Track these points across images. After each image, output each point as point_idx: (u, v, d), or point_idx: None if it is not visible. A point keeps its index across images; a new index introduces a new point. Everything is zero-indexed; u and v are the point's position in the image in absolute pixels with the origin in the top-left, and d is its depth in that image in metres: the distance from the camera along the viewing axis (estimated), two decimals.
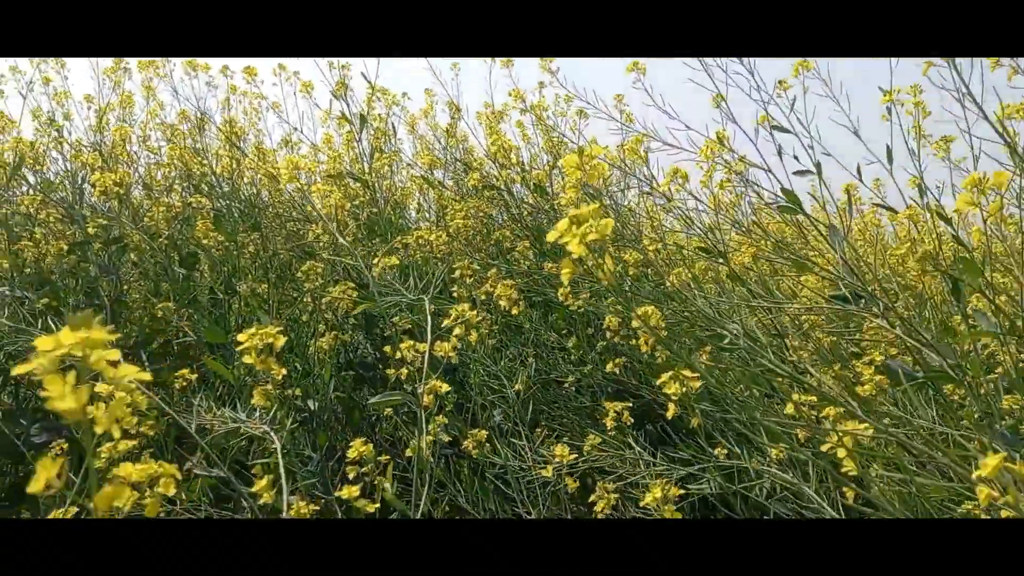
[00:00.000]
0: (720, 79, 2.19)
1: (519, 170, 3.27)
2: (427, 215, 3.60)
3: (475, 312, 1.53)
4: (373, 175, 3.03)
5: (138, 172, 2.86)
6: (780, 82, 2.24)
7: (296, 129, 3.37)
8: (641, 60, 2.22)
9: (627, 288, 2.45)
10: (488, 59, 3.23)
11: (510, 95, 2.63)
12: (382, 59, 3.40)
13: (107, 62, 3.03)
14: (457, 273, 2.03)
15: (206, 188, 2.59)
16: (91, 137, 3.01)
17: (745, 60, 2.18)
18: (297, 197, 2.61)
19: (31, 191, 2.60)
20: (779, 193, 2.03)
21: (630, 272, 2.08)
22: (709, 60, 2.18)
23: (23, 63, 2.90)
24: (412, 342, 1.45)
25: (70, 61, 3.17)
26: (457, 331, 1.49)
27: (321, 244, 2.24)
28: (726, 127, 2.32)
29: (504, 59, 3.30)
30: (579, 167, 0.88)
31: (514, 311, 1.93)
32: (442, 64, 3.35)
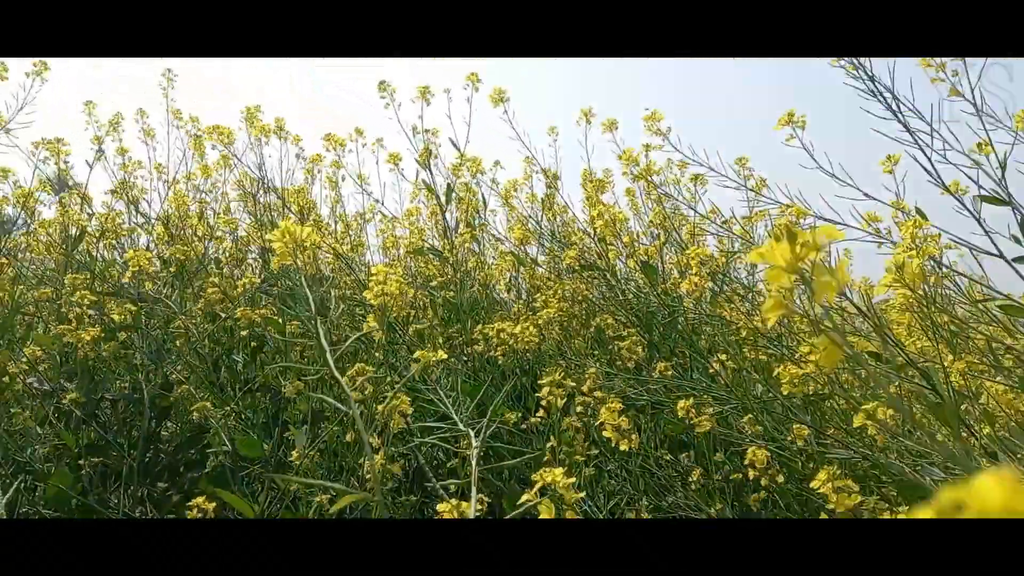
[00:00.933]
0: (896, 132, 1.66)
1: (625, 246, 2.80)
2: (520, 295, 3.18)
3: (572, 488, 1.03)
4: (456, 251, 2.64)
5: (205, 246, 2.59)
6: (980, 145, 1.68)
7: (378, 201, 3.06)
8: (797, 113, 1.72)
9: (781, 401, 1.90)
10: (584, 121, 2.83)
11: (620, 159, 2.18)
12: (473, 127, 3.07)
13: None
14: (545, 391, 1.55)
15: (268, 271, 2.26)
16: (155, 207, 2.80)
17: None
18: (345, 280, 2.24)
19: (84, 269, 2.36)
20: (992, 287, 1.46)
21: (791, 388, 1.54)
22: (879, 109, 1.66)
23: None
24: (452, 504, 0.97)
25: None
26: (544, 512, 0.98)
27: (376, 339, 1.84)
28: (903, 195, 1.77)
29: (607, 122, 2.89)
30: (790, 262, 0.42)
31: (623, 446, 1.42)
32: (534, 127, 2.97)
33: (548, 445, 1.51)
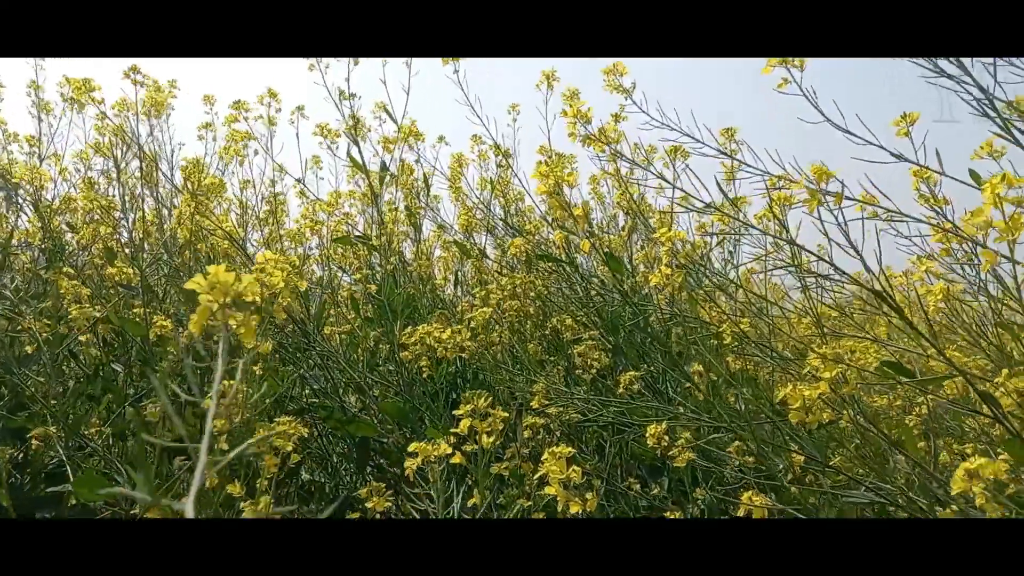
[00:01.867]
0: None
1: (583, 230, 2.41)
2: (467, 292, 2.76)
3: None
4: (388, 236, 2.22)
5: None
6: None
7: (299, 181, 2.62)
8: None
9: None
10: (546, 86, 2.43)
11: (564, 115, 1.76)
12: (413, 95, 2.64)
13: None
14: (464, 424, 1.14)
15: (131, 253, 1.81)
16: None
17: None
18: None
19: None
20: None
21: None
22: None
23: None
24: None
25: None
26: None
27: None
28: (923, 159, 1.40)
29: (568, 92, 2.49)
30: None
31: (574, 508, 1.01)
32: (492, 102, 2.56)
33: (471, 502, 1.11)
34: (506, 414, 1.18)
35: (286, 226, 2.73)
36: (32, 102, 2.74)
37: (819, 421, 1.19)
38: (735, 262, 2.28)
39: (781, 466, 1.59)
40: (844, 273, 1.38)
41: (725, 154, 1.83)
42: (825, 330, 1.55)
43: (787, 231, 1.52)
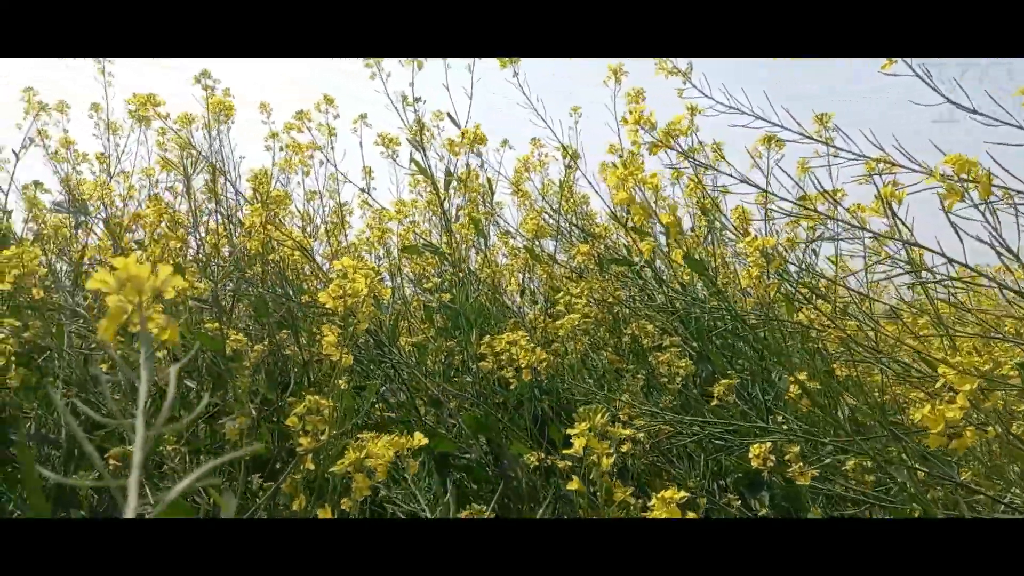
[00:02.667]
0: None
1: (675, 236, 2.28)
2: (535, 300, 2.67)
3: None
4: (457, 246, 2.14)
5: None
6: None
7: (363, 190, 2.58)
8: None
9: None
10: (613, 81, 2.33)
11: (624, 122, 1.64)
12: (476, 100, 2.57)
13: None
14: (578, 443, 1.03)
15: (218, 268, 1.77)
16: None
17: None
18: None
19: None
20: None
21: None
22: None
23: None
24: None
25: None
26: None
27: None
28: None
29: (632, 92, 2.39)
30: None
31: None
32: (554, 104, 2.47)
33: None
34: (629, 431, 1.07)
35: (349, 238, 2.69)
36: (96, 122, 2.77)
37: (965, 447, 1.04)
38: (836, 261, 2.12)
39: (901, 482, 1.44)
40: (982, 275, 1.23)
41: (821, 142, 1.70)
42: (950, 330, 1.39)
43: (904, 228, 1.37)
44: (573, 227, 2.52)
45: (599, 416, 0.97)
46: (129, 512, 0.43)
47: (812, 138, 1.65)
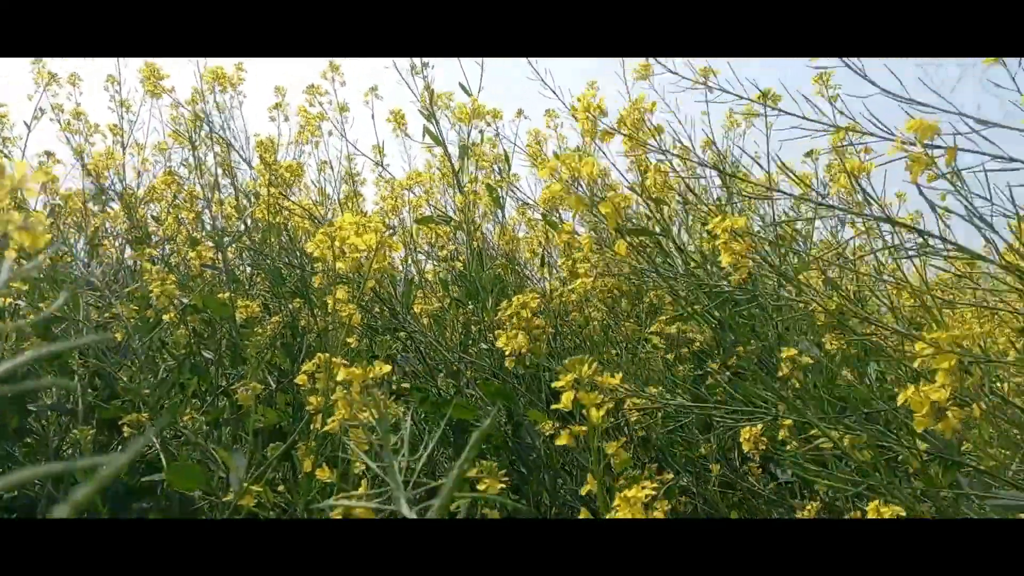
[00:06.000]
0: None
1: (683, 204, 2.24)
2: (552, 270, 2.63)
3: None
4: (471, 213, 2.11)
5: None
6: None
7: (379, 164, 2.55)
8: None
9: None
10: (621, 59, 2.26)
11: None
12: (488, 70, 2.52)
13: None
14: (566, 397, 0.99)
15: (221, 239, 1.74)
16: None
17: None
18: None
19: None
20: None
21: None
22: None
23: None
24: None
25: None
26: None
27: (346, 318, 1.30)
28: None
29: (640, 69, 2.33)
30: None
31: None
32: (562, 70, 2.41)
33: (584, 490, 0.99)
34: (616, 380, 1.04)
35: (362, 210, 2.66)
36: (111, 95, 2.75)
37: (951, 429, 0.97)
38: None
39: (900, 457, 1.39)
40: (964, 249, 1.17)
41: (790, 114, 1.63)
42: (929, 300, 1.31)
43: (875, 202, 1.30)
44: (592, 196, 2.47)
45: (587, 366, 0.94)
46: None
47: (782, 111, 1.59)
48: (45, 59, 2.54)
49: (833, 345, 1.45)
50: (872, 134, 1.20)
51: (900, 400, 1.01)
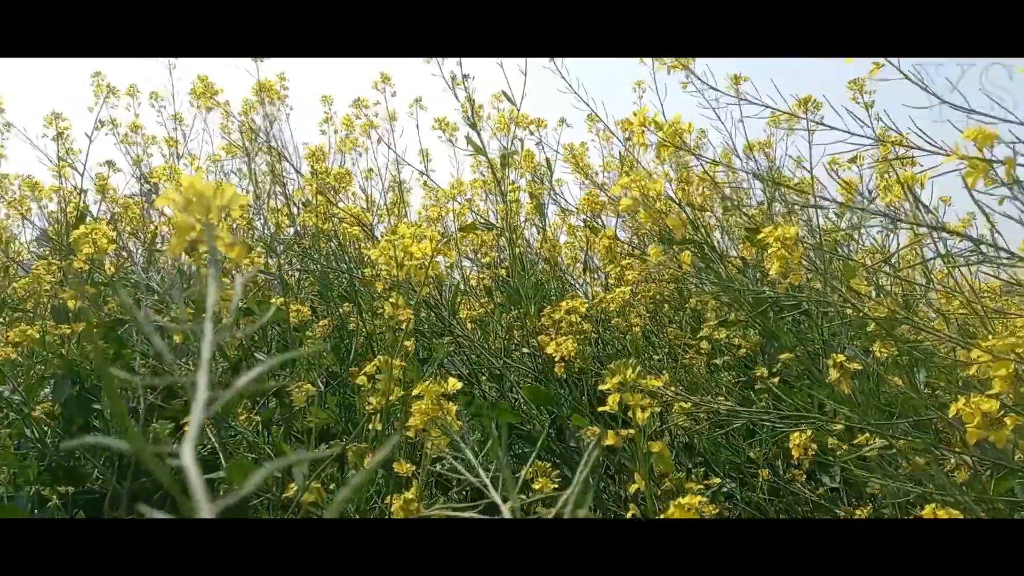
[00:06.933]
0: None
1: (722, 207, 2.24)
2: (595, 276, 2.65)
3: None
4: (514, 219, 2.14)
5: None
6: None
7: (423, 173, 2.60)
8: None
9: None
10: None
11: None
12: (531, 77, 2.55)
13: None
14: (612, 400, 1.01)
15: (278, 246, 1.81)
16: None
17: None
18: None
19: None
20: None
21: None
22: None
23: None
24: None
25: None
26: None
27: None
28: None
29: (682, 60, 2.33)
30: None
31: None
32: (597, 74, 2.43)
33: (632, 488, 1.00)
34: (660, 382, 1.06)
35: (408, 217, 2.72)
36: (159, 109, 2.86)
37: (1005, 439, 0.97)
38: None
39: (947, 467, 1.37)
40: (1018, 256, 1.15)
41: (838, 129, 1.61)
42: (981, 308, 1.29)
43: (929, 212, 1.29)
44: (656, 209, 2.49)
45: (631, 370, 0.96)
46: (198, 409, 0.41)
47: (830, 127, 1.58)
48: (104, 72, 2.64)
49: (883, 352, 1.44)
50: (919, 148, 1.20)
51: (952, 412, 1.01)
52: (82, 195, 2.33)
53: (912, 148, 1.25)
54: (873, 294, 1.54)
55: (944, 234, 1.25)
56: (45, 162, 2.26)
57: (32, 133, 2.48)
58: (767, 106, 1.35)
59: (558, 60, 2.39)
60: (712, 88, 1.63)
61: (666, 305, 2.17)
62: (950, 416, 1.04)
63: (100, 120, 2.41)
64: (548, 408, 1.77)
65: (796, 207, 2.50)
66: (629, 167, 2.55)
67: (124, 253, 2.18)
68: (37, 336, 1.60)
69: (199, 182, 0.55)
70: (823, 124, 1.37)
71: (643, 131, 1.49)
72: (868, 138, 1.37)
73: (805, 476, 1.69)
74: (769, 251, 1.23)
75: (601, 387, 1.11)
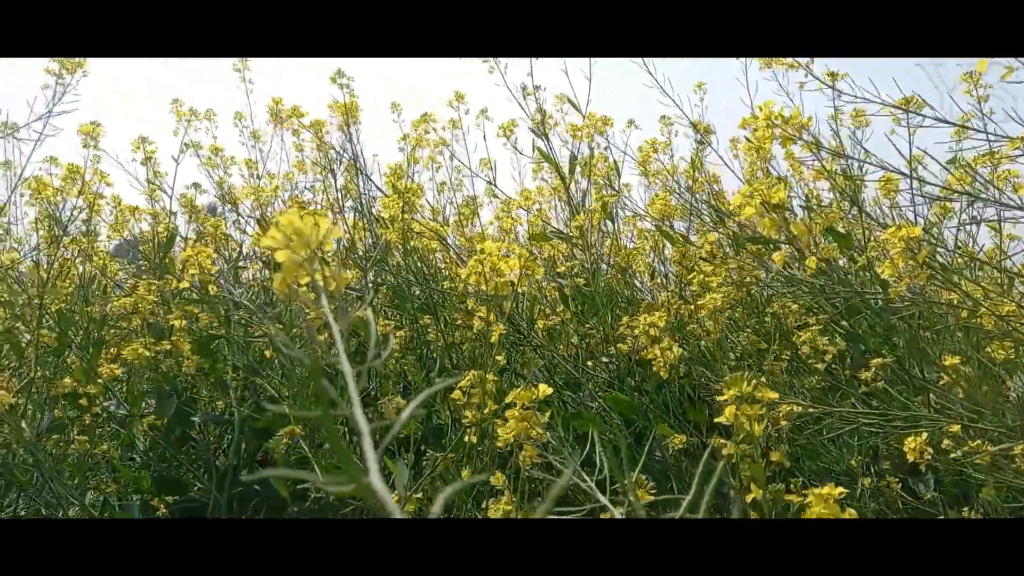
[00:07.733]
0: None
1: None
2: (666, 282, 2.63)
3: None
4: (585, 229, 2.14)
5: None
6: None
7: (491, 183, 2.63)
8: None
9: None
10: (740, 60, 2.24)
11: None
12: (595, 83, 2.56)
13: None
14: (729, 411, 1.00)
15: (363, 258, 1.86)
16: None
17: None
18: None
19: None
20: None
21: None
22: None
23: None
24: None
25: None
26: None
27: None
28: None
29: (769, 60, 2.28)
30: None
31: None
32: (676, 80, 2.40)
33: (749, 497, 0.99)
34: (775, 394, 1.04)
35: (477, 228, 2.76)
36: (240, 130, 2.98)
37: None
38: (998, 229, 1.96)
39: None
40: None
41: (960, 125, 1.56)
42: None
43: None
44: (704, 204, 2.46)
45: (746, 383, 0.95)
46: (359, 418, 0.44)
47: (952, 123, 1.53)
48: (182, 99, 2.76)
49: (1000, 354, 1.39)
50: None
51: None
52: (171, 216, 2.45)
53: None
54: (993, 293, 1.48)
55: None
56: (136, 185, 2.38)
57: (122, 158, 2.63)
58: (883, 103, 1.33)
59: (646, 60, 2.38)
60: (831, 87, 1.61)
61: (741, 309, 2.13)
62: None
63: (184, 144, 2.53)
64: (627, 416, 1.77)
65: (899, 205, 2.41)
66: (753, 173, 2.49)
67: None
68: (147, 354, 1.69)
69: (295, 219, 0.57)
70: (944, 121, 1.33)
71: (769, 127, 1.47)
72: (999, 136, 1.33)
73: (899, 484, 1.64)
74: (893, 252, 1.21)
75: (718, 398, 1.10)
